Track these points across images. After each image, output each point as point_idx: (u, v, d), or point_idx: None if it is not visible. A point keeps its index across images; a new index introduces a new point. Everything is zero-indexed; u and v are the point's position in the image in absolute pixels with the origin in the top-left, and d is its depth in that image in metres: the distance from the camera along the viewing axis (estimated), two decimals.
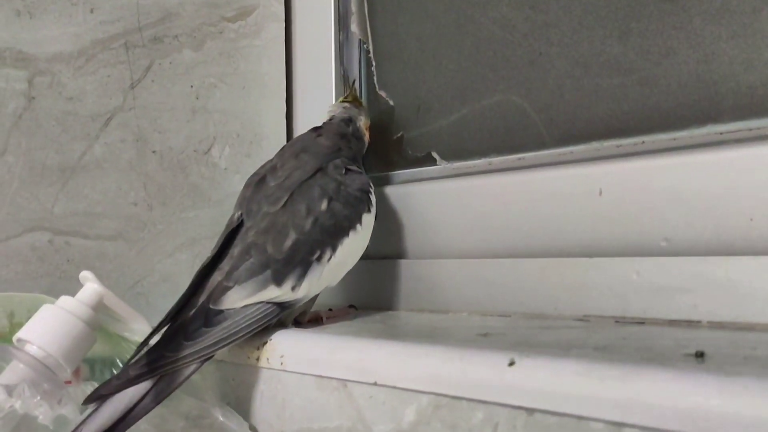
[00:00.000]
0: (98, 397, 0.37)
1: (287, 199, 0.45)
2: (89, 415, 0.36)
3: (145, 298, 0.54)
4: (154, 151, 0.55)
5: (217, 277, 0.42)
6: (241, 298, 0.41)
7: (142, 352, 0.39)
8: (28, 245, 0.49)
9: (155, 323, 0.48)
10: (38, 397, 0.38)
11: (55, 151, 0.50)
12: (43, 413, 0.38)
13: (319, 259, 0.44)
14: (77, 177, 0.51)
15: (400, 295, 0.54)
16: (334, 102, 0.59)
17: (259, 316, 0.42)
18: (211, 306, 0.41)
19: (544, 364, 0.30)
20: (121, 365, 0.45)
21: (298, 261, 0.43)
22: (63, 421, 0.39)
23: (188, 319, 0.40)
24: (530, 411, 0.29)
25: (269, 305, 0.42)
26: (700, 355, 0.29)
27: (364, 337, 0.39)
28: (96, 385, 0.42)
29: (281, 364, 0.41)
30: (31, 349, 0.41)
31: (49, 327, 0.41)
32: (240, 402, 0.44)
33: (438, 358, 0.33)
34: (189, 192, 0.56)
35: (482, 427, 0.31)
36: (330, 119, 0.53)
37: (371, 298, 0.55)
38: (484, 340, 0.37)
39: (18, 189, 0.49)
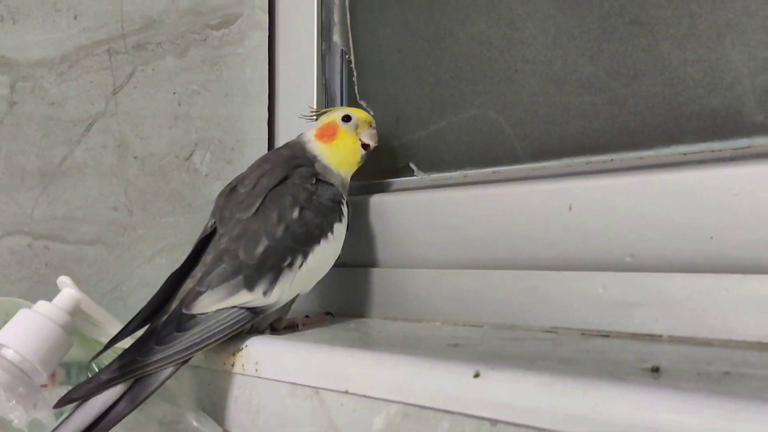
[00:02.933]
0: (69, 401, 0.37)
1: (259, 206, 0.46)
2: (63, 420, 0.37)
3: (123, 302, 0.54)
4: (135, 157, 0.55)
5: (189, 283, 0.43)
6: (213, 303, 0.42)
7: (114, 357, 0.39)
8: (6, 249, 0.49)
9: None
10: (13, 401, 0.38)
11: (36, 155, 0.51)
12: (17, 417, 0.38)
13: (290, 265, 0.44)
14: (58, 181, 0.51)
15: (376, 303, 0.54)
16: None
17: (231, 321, 0.42)
18: (183, 311, 0.41)
19: (508, 377, 0.31)
20: (97, 370, 0.46)
21: (269, 267, 0.44)
22: (37, 425, 0.40)
23: (160, 324, 0.41)
24: (494, 422, 0.30)
25: (241, 310, 0.43)
26: (656, 370, 0.30)
27: (336, 346, 0.40)
28: (71, 388, 0.43)
29: (256, 370, 0.42)
30: (8, 353, 0.41)
31: (25, 331, 0.42)
32: (215, 407, 0.45)
33: (407, 368, 0.34)
34: (169, 197, 0.57)
35: None
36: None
37: (347, 306, 0.56)
38: (453, 350, 0.38)
39: None
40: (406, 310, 0.52)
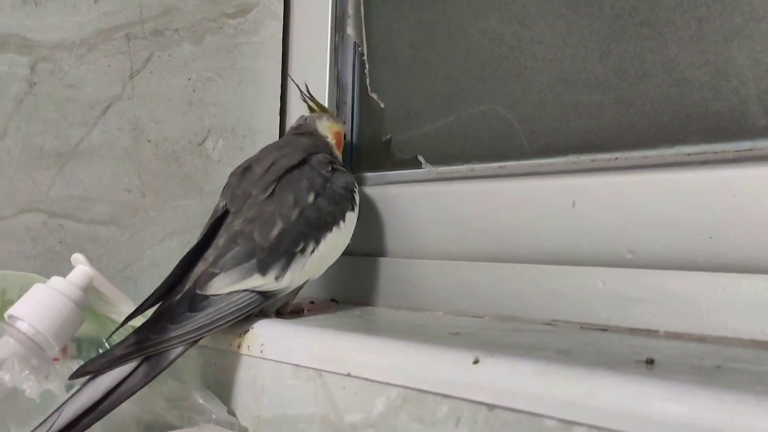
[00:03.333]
0: (83, 373, 0.38)
1: (275, 187, 0.46)
2: (74, 393, 0.38)
3: (134, 282, 0.55)
4: (149, 141, 0.56)
5: (202, 264, 0.43)
6: (227, 285, 0.42)
7: (128, 333, 0.40)
8: (22, 226, 0.51)
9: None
10: (26, 372, 0.39)
11: (54, 136, 0.52)
12: (30, 387, 0.39)
13: (302, 251, 0.45)
14: (74, 162, 0.53)
15: (380, 292, 0.55)
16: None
17: (242, 304, 0.43)
18: (197, 291, 0.42)
19: (505, 364, 0.32)
20: (107, 346, 0.47)
21: (282, 251, 0.44)
22: (49, 396, 0.41)
23: (174, 303, 0.41)
24: (491, 407, 0.31)
25: (253, 293, 0.43)
26: (650, 362, 0.31)
27: (340, 330, 0.41)
28: (83, 363, 0.44)
29: (261, 352, 0.43)
30: (22, 325, 0.42)
31: (39, 305, 0.43)
32: (220, 386, 0.46)
33: (408, 353, 0.35)
34: (182, 182, 0.58)
35: (446, 420, 0.33)
36: (299, 125, 0.55)
37: (352, 293, 0.57)
38: (454, 338, 0.39)
39: (16, 171, 0.50)
40: (409, 299, 0.53)
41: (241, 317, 0.43)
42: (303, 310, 0.48)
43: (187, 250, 0.57)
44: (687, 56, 0.41)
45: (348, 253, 0.51)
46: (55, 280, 0.44)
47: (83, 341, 0.47)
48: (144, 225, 0.56)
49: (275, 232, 0.44)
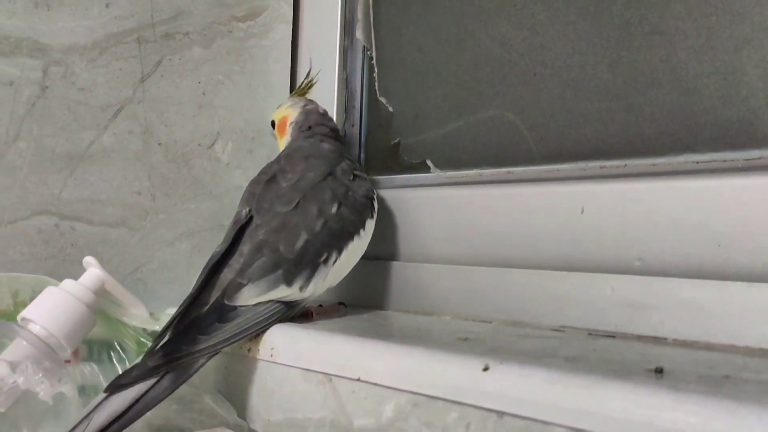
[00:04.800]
0: (119, 386, 0.38)
1: (299, 200, 0.46)
2: (102, 400, 0.38)
3: (144, 284, 0.56)
4: (159, 144, 0.57)
5: (228, 273, 0.43)
6: (254, 296, 0.43)
7: (158, 344, 0.40)
8: (34, 228, 0.51)
9: (153, 309, 0.51)
10: (40, 375, 0.40)
11: (65, 139, 0.52)
12: (43, 390, 0.40)
13: (325, 261, 0.45)
14: (85, 165, 0.53)
15: (389, 296, 0.56)
16: (304, 97, 0.58)
17: (268, 314, 0.43)
18: (225, 302, 0.42)
19: (515, 371, 0.32)
20: (119, 348, 0.48)
21: (307, 262, 0.44)
22: (62, 399, 0.41)
23: (203, 314, 0.42)
24: (500, 414, 0.31)
25: (278, 304, 0.44)
26: (659, 371, 0.31)
27: (350, 335, 0.42)
28: (94, 365, 0.45)
29: (271, 356, 0.44)
30: (35, 328, 0.43)
31: (52, 308, 0.43)
32: (230, 390, 0.47)
33: (418, 359, 0.36)
34: (191, 184, 0.58)
35: (455, 426, 0.33)
36: (306, 116, 0.54)
37: (360, 297, 0.57)
38: (463, 344, 0.39)
39: (28, 174, 0.51)
40: (417, 304, 0.53)
41: (267, 327, 0.43)
42: (312, 314, 0.48)
43: (195, 252, 0.58)
44: (697, 64, 0.41)
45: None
46: (68, 283, 0.45)
47: (94, 343, 0.48)
48: (154, 227, 0.56)
49: (300, 243, 0.44)
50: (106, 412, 0.37)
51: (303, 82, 0.58)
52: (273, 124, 0.57)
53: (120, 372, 0.46)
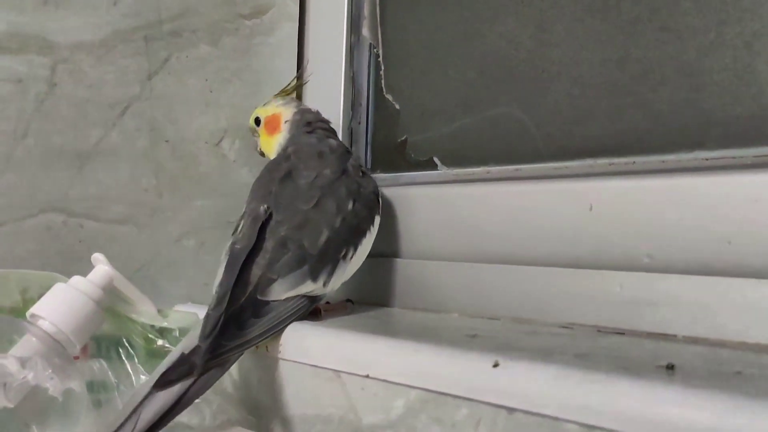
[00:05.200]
0: (167, 383, 0.38)
1: (319, 197, 0.47)
2: (146, 396, 0.38)
3: (150, 280, 0.56)
4: (166, 141, 0.57)
5: (255, 269, 0.43)
6: (284, 291, 0.43)
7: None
8: (43, 225, 0.51)
9: (160, 306, 0.51)
10: (50, 371, 0.40)
11: (74, 136, 0.52)
12: (53, 386, 0.40)
13: (344, 256, 0.46)
14: (93, 162, 0.53)
15: (395, 293, 0.56)
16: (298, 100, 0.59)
17: (296, 309, 0.44)
18: (258, 297, 0.42)
19: (526, 367, 0.32)
20: (127, 344, 0.48)
21: (329, 258, 0.45)
22: (70, 395, 0.41)
23: (238, 309, 0.42)
24: (511, 410, 0.31)
25: (304, 299, 0.44)
26: (670, 367, 0.31)
27: (359, 332, 0.42)
28: (103, 362, 0.45)
29: (280, 352, 0.44)
30: (44, 324, 0.43)
31: (61, 304, 0.43)
32: (240, 387, 0.47)
33: (428, 355, 0.36)
34: (198, 182, 0.58)
35: (465, 423, 0.33)
36: (303, 114, 0.54)
37: (367, 294, 0.57)
38: (472, 341, 0.39)
39: (36, 171, 0.51)
40: (424, 301, 0.53)
41: (293, 322, 0.44)
42: (320, 311, 0.48)
43: (202, 249, 0.58)
44: (706, 61, 0.41)
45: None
46: (76, 280, 0.45)
47: (102, 340, 0.48)
48: (160, 224, 0.57)
49: (322, 239, 0.45)
50: (153, 407, 0.38)
51: (290, 82, 0.58)
52: (258, 121, 0.56)
53: (129, 368, 0.46)
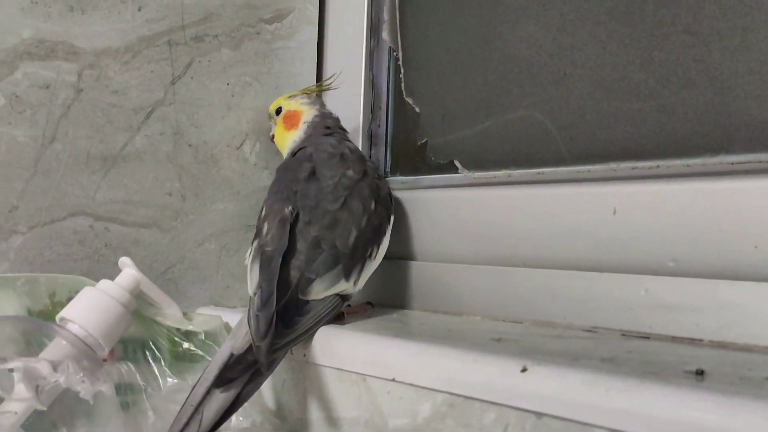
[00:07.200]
0: (228, 381, 0.40)
1: (346, 198, 0.48)
2: (206, 395, 0.39)
3: (174, 284, 0.56)
4: (189, 145, 0.57)
5: (293, 270, 0.44)
6: (322, 290, 0.44)
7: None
8: (70, 229, 0.52)
9: (185, 308, 0.51)
10: (81, 374, 0.40)
11: (100, 141, 0.53)
12: (84, 389, 0.40)
13: (370, 255, 0.48)
14: (118, 166, 0.54)
15: (416, 296, 0.56)
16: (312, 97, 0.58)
17: (332, 307, 0.45)
18: (300, 296, 0.43)
19: (554, 372, 0.32)
20: (153, 347, 0.48)
21: (358, 257, 0.46)
22: (100, 397, 0.42)
23: (282, 309, 0.42)
24: (539, 415, 0.32)
25: (337, 297, 0.46)
26: (700, 372, 0.31)
27: (383, 335, 0.42)
28: (130, 364, 0.46)
29: (304, 356, 0.44)
30: (74, 327, 0.43)
31: (90, 308, 0.44)
32: (264, 389, 0.47)
33: (454, 359, 0.36)
34: (220, 185, 0.59)
35: (493, 427, 0.33)
36: (324, 118, 0.56)
37: (388, 297, 0.58)
38: (497, 345, 0.39)
39: (64, 175, 0.51)
40: (446, 304, 0.54)
41: (329, 320, 0.45)
42: (343, 314, 0.49)
43: (224, 252, 0.59)
44: (731, 64, 0.41)
45: (384, 256, 0.52)
46: (105, 283, 0.46)
47: (129, 342, 0.48)
48: (184, 228, 0.57)
49: (352, 239, 0.46)
50: (215, 406, 0.39)
51: (319, 84, 0.58)
52: (279, 111, 0.57)
53: (156, 371, 0.47)
